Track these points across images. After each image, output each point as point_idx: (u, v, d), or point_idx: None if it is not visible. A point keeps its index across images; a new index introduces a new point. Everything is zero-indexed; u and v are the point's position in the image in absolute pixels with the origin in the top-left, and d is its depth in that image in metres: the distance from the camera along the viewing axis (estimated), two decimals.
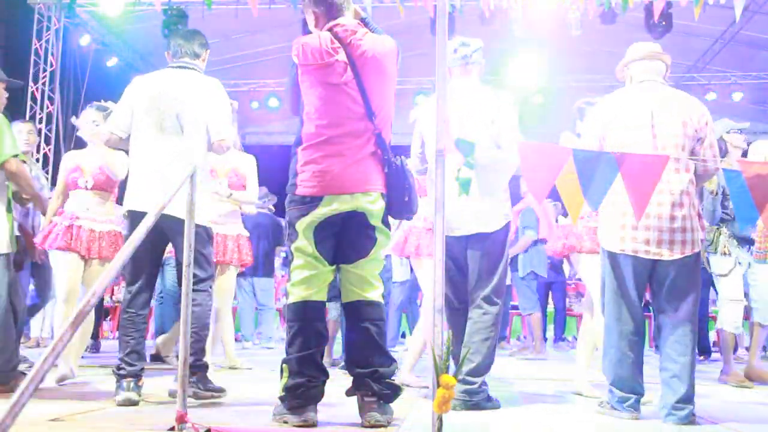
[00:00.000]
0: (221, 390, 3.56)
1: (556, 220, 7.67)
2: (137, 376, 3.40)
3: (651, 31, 8.91)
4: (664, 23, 8.82)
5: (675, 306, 3.22)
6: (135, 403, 3.33)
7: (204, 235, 3.57)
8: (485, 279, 3.54)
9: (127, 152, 3.76)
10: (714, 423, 3.20)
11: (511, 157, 3.40)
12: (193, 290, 3.48)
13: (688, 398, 3.12)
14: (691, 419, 3.11)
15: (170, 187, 3.39)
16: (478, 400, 3.39)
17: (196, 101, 3.56)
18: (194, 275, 3.47)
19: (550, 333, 9.23)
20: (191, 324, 3.52)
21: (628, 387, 3.23)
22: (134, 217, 3.45)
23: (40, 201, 4.32)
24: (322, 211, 2.87)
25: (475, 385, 3.39)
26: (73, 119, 4.70)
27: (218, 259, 4.70)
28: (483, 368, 3.43)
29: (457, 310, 3.63)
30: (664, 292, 3.25)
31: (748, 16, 9.26)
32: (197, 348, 3.49)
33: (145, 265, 3.52)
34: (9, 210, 3.87)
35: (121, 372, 3.38)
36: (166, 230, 3.42)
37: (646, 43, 3.58)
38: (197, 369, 3.47)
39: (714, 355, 7.68)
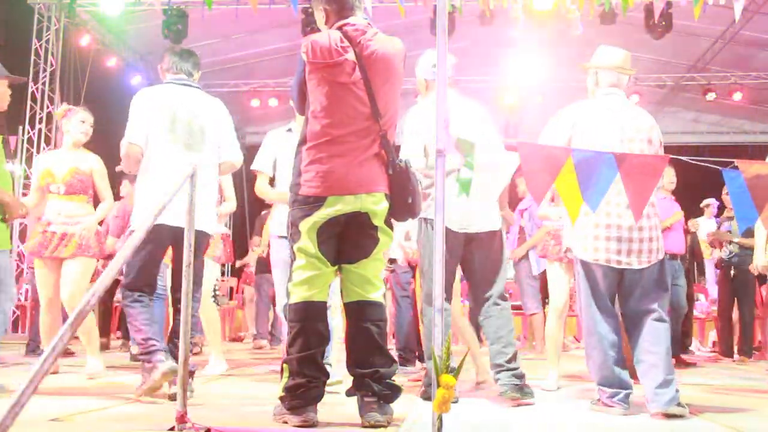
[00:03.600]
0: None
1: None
2: (165, 350, 3.50)
3: (651, 31, 8.92)
4: (664, 23, 8.82)
5: (646, 306, 3.41)
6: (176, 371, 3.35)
7: (201, 242, 3.68)
8: (493, 278, 3.77)
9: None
10: (701, 415, 3.32)
11: (513, 158, 3.46)
12: (194, 297, 3.64)
13: (666, 382, 3.24)
14: (677, 409, 3.20)
15: (199, 203, 3.49)
16: (523, 384, 3.60)
17: (212, 120, 3.77)
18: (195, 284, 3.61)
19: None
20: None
21: (616, 383, 3.36)
22: (162, 231, 3.52)
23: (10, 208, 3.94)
24: (326, 212, 2.86)
25: (519, 369, 3.63)
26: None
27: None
28: (516, 354, 3.68)
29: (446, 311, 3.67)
30: (635, 297, 3.43)
31: (748, 16, 9.26)
32: (192, 352, 3.65)
33: (152, 269, 3.65)
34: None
35: (152, 348, 3.46)
36: (177, 239, 3.40)
37: (615, 52, 3.63)
38: (192, 373, 3.68)
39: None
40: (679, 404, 3.22)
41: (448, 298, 3.76)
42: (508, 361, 3.62)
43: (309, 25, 8.91)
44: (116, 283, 5.85)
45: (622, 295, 3.49)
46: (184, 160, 3.56)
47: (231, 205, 5.13)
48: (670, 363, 3.31)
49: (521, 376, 3.63)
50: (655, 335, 3.35)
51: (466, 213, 3.66)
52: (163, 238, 3.60)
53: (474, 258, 3.77)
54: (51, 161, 4.65)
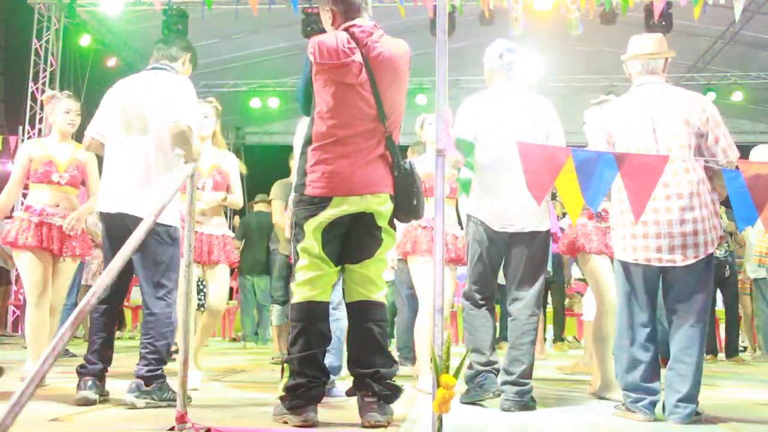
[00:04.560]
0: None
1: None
2: (97, 375, 3.40)
3: (651, 31, 8.88)
4: (664, 23, 8.82)
5: (685, 307, 3.24)
6: (92, 402, 3.30)
7: (166, 238, 3.45)
8: (531, 279, 3.59)
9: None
10: (713, 423, 3.22)
11: None
12: (156, 297, 3.39)
13: (689, 397, 3.15)
14: (694, 418, 3.13)
15: (129, 189, 3.40)
16: (527, 401, 3.47)
17: (163, 99, 3.48)
18: (158, 283, 3.40)
19: (549, 333, 9.21)
20: (146, 335, 3.39)
21: (642, 389, 3.23)
22: (104, 219, 3.50)
23: None
24: (331, 212, 2.87)
25: (527, 386, 3.48)
26: (44, 98, 4.60)
27: (204, 259, 4.50)
28: (530, 369, 3.53)
29: (478, 307, 3.65)
30: (674, 293, 3.27)
31: (748, 16, 9.26)
32: (152, 359, 3.34)
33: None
34: None
35: (82, 371, 3.40)
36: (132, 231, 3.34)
37: (638, 40, 3.51)
38: (152, 380, 3.32)
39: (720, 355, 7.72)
40: (697, 413, 3.15)
41: (486, 297, 3.65)
42: (522, 376, 3.47)
43: (309, 25, 8.91)
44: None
45: (663, 291, 3.32)
46: (122, 142, 3.50)
47: (236, 199, 4.71)
48: (698, 376, 3.18)
49: (526, 393, 3.48)
50: (689, 343, 3.20)
51: (506, 212, 3.54)
52: (105, 227, 3.52)
53: (513, 257, 3.61)
54: (49, 149, 4.38)
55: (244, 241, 8.17)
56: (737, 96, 11.65)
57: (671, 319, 3.30)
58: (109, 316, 3.52)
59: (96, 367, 3.41)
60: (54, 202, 4.31)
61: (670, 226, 3.18)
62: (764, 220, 3.05)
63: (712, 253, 3.23)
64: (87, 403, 3.29)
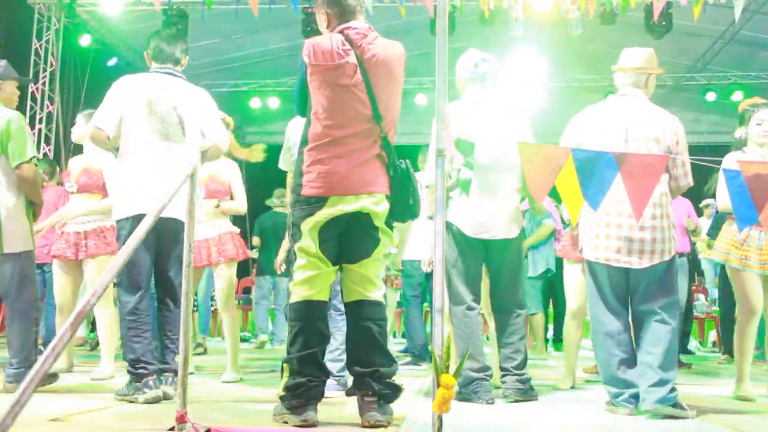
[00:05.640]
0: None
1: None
2: (157, 372, 3.49)
3: (651, 32, 8.91)
4: (664, 23, 8.81)
5: (648, 307, 3.38)
6: (170, 397, 3.41)
7: (179, 230, 3.48)
8: (508, 285, 3.87)
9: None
10: (712, 421, 3.22)
11: None
12: (179, 296, 3.41)
13: (660, 382, 3.22)
14: (672, 404, 3.19)
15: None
16: (527, 388, 3.74)
17: (193, 109, 3.66)
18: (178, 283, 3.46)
19: (549, 333, 9.20)
20: (168, 329, 3.58)
21: (621, 383, 3.36)
22: (137, 223, 3.45)
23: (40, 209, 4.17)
24: (327, 212, 2.88)
25: (525, 375, 3.76)
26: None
27: (206, 263, 4.66)
28: (525, 362, 3.81)
29: (474, 310, 3.79)
30: (638, 296, 3.42)
31: (748, 16, 9.26)
32: (173, 348, 3.55)
33: (144, 268, 3.57)
34: (29, 207, 3.83)
35: (141, 371, 3.43)
36: (158, 229, 3.41)
37: (634, 54, 3.59)
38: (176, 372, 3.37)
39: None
40: (675, 405, 3.20)
41: (477, 300, 3.82)
42: (515, 367, 3.74)
43: (309, 25, 8.91)
44: None
45: (630, 294, 3.47)
46: (160, 149, 3.55)
47: (235, 204, 4.82)
48: (668, 364, 3.27)
49: (526, 381, 3.74)
50: (655, 336, 3.33)
51: (480, 219, 3.72)
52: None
53: (491, 264, 3.87)
54: (72, 163, 4.74)
55: (261, 240, 8.24)
56: (737, 96, 11.64)
57: (636, 321, 3.43)
58: (148, 314, 3.57)
59: (155, 367, 3.49)
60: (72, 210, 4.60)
61: (631, 230, 3.33)
62: (764, 220, 3.06)
63: (671, 260, 3.37)
64: (167, 398, 3.41)
